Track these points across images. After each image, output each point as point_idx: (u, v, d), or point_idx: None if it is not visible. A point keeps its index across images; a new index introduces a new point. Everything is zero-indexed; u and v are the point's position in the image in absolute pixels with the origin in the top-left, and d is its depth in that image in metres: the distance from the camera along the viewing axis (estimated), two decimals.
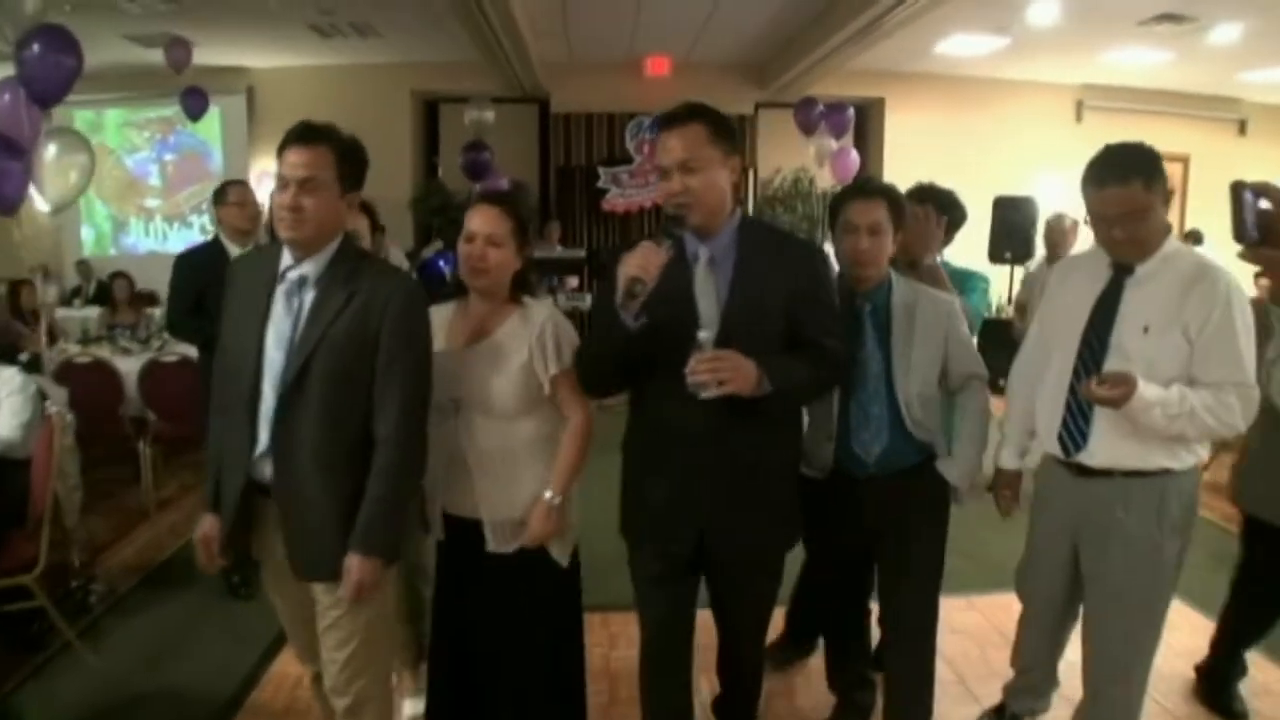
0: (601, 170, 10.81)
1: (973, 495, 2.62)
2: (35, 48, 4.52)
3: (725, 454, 2.20)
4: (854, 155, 9.57)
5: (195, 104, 8.96)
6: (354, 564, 2.09)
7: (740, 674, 2.65)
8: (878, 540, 2.62)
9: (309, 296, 2.14)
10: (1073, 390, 2.38)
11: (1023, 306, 5.71)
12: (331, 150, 2.09)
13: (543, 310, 2.40)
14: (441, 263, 6.75)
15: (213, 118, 10.04)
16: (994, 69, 10.04)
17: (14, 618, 3.29)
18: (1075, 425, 2.40)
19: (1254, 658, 3.20)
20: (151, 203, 11.16)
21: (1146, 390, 2.18)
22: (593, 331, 2.31)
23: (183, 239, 10.55)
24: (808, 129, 9.35)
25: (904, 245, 2.68)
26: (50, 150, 4.76)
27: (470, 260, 2.33)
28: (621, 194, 10.86)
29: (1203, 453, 2.43)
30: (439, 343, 2.35)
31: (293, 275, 2.14)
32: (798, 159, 10.53)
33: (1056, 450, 2.45)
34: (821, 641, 3.19)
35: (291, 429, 2.10)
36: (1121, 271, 2.35)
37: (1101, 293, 2.38)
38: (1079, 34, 8.27)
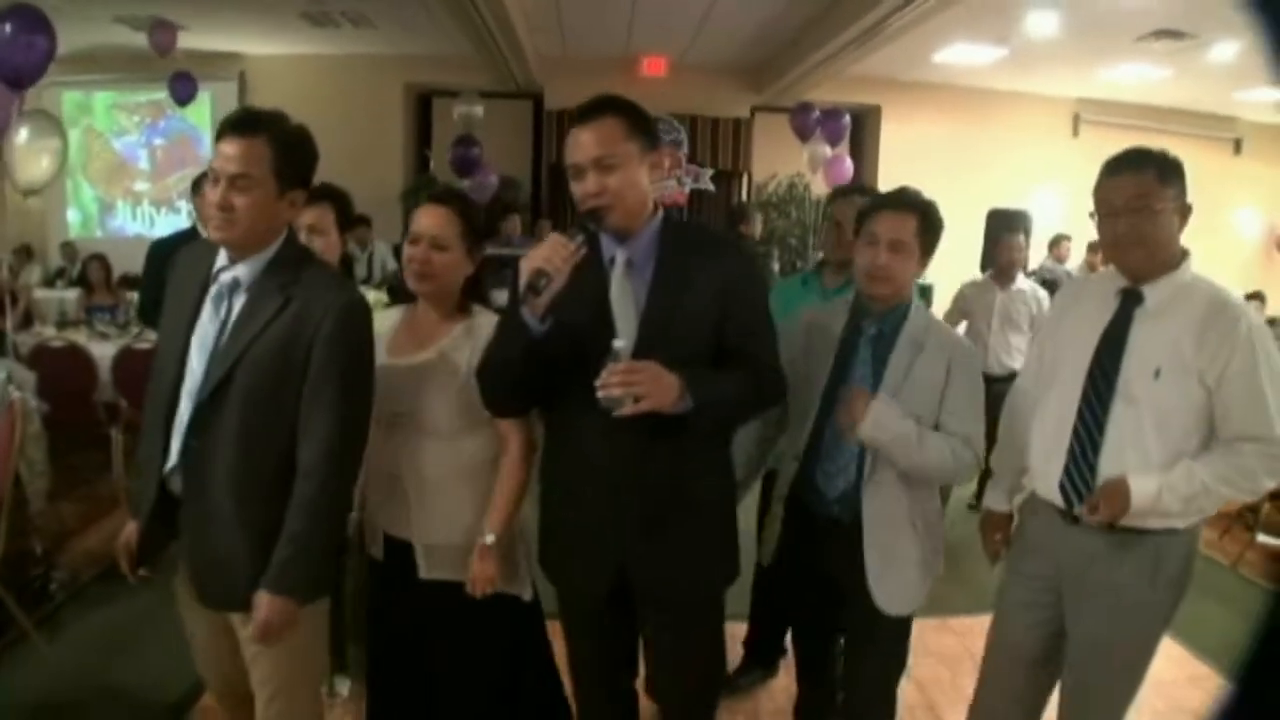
0: None
1: (893, 578, 2.28)
2: (5, 28, 4.42)
3: (644, 481, 1.99)
4: (848, 163, 9.52)
5: (183, 89, 8.86)
6: (263, 602, 1.91)
7: None
8: (841, 594, 2.33)
9: (238, 303, 1.95)
10: (1076, 435, 2.14)
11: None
12: (269, 143, 1.89)
13: (491, 322, 2.17)
14: None
15: (203, 103, 9.96)
16: (992, 80, 10.01)
17: None
18: (1080, 476, 2.13)
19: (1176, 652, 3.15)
20: (140, 186, 11.07)
21: (1142, 487, 1.99)
22: (495, 337, 2.05)
23: (170, 224, 10.45)
24: (803, 134, 9.31)
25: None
26: (22, 134, 4.66)
27: (414, 263, 2.16)
28: None
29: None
30: (381, 352, 2.18)
31: (225, 278, 1.96)
32: (793, 164, 10.48)
33: (1055, 499, 2.18)
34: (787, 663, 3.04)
35: (204, 447, 1.93)
36: (1130, 300, 2.13)
37: (1108, 324, 2.15)
38: (1078, 47, 8.26)
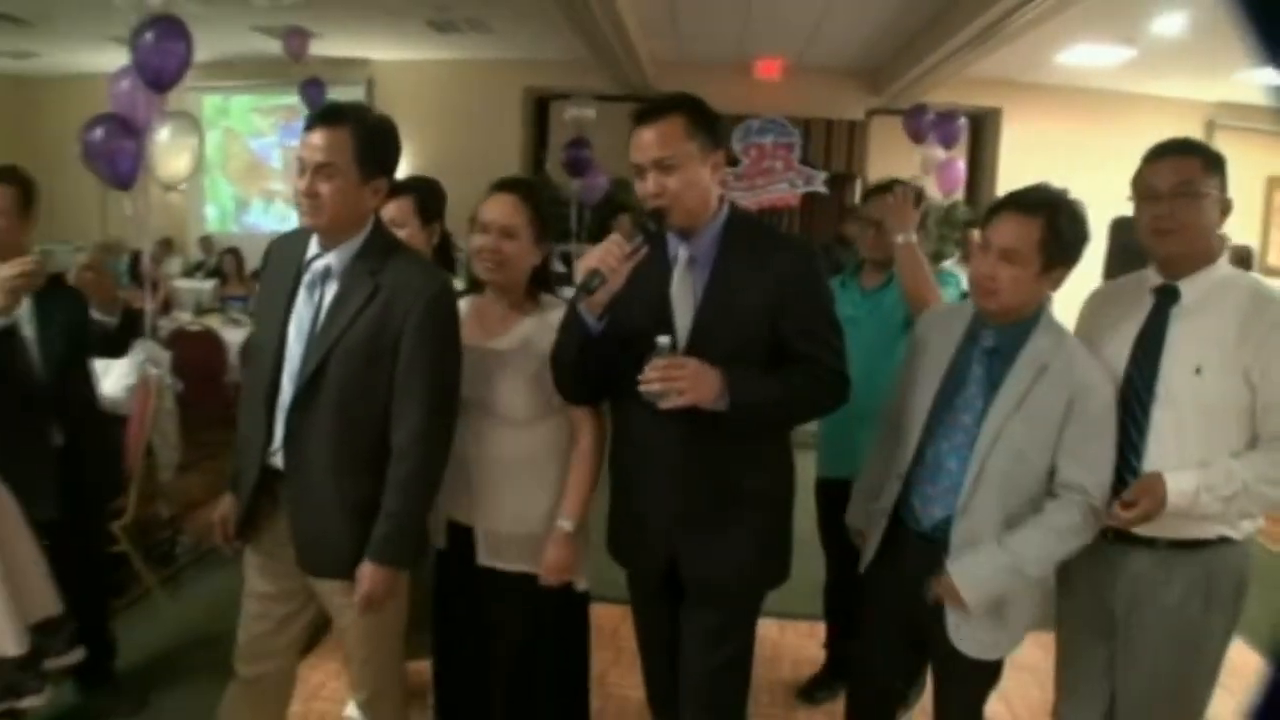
0: None
1: (978, 624, 2.04)
2: (149, 36, 4.76)
3: (694, 474, 2.01)
4: (960, 166, 9.33)
5: (314, 94, 9.29)
6: (366, 573, 2.03)
7: None
8: (928, 627, 2.13)
9: (330, 290, 2.04)
10: (1116, 445, 2.01)
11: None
12: (352, 133, 1.97)
13: (561, 311, 2.15)
14: None
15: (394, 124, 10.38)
16: (1119, 82, 9.62)
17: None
18: (1121, 483, 1.99)
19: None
20: (274, 185, 11.62)
21: (1179, 484, 1.87)
22: (559, 330, 2.07)
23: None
24: (917, 137, 9.17)
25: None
26: (164, 133, 5.01)
27: (482, 252, 2.17)
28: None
29: (1261, 520, 2.08)
30: None
31: (317, 265, 2.06)
32: (909, 167, 10.33)
33: None
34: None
35: (305, 428, 2.03)
36: (1166, 298, 2.02)
37: (1143, 325, 2.04)
38: (1211, 48, 7.87)
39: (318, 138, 1.96)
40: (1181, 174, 1.96)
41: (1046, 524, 1.96)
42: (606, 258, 1.85)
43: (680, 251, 2.03)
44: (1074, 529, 1.95)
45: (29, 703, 2.03)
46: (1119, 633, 2.11)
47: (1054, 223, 1.95)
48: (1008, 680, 3.00)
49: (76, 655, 2.19)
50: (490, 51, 10.15)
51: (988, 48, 7.74)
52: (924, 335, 2.24)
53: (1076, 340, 2.09)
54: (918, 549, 2.11)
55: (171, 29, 4.77)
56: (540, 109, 11.60)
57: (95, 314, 2.75)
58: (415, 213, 2.72)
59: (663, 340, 1.86)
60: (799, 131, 10.52)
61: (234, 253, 8.09)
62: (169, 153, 4.98)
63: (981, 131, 10.96)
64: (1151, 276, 2.08)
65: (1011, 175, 10.13)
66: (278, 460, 2.09)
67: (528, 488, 2.22)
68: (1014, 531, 1.98)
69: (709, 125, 1.99)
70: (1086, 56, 8.68)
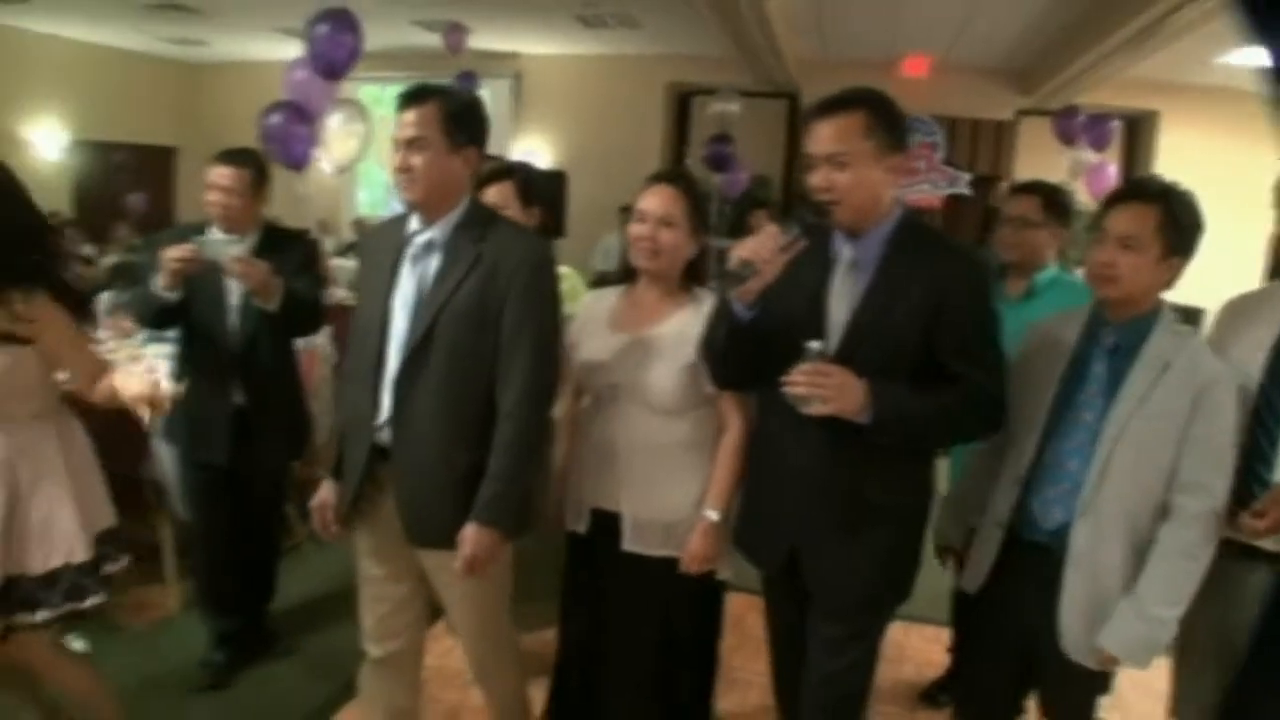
0: None
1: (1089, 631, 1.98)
2: (323, 28, 5.09)
3: (824, 480, 1.98)
4: (1111, 171, 8.98)
5: (467, 86, 9.60)
6: (469, 535, 2.05)
7: None
8: (1037, 635, 2.07)
9: (434, 261, 2.11)
10: (1246, 453, 1.94)
11: None
12: (437, 107, 2.05)
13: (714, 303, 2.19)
14: None
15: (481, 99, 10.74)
16: None
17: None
18: (1249, 493, 1.94)
19: None
20: None
21: None
22: (710, 316, 2.09)
23: None
24: (1066, 139, 8.89)
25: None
26: (335, 119, 5.32)
27: (640, 241, 2.21)
28: None
29: None
30: (603, 326, 2.29)
31: (419, 240, 2.12)
32: (1058, 171, 10.03)
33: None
34: None
35: (413, 396, 2.08)
36: None
37: (1276, 340, 1.99)
38: None
39: (408, 115, 2.05)
40: None
41: (1169, 550, 1.91)
42: (759, 249, 1.83)
43: (844, 251, 1.98)
44: (1198, 543, 1.90)
45: (90, 603, 2.19)
46: (1241, 653, 2.02)
47: (1170, 209, 1.93)
48: (1122, 684, 2.83)
49: (125, 560, 2.35)
50: (635, 47, 10.33)
51: (1146, 48, 7.47)
52: (1038, 340, 2.18)
53: (1199, 340, 2.05)
54: (1033, 562, 2.05)
55: (343, 21, 5.08)
56: (682, 104, 11.71)
57: (256, 303, 2.90)
58: (516, 196, 2.82)
59: (814, 345, 1.83)
60: (943, 131, 10.33)
61: None
62: (338, 138, 5.29)
63: (1137, 135, 10.53)
64: None
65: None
66: (384, 436, 2.13)
67: (675, 475, 2.23)
68: (1142, 576, 1.93)
69: (890, 126, 1.91)
70: (1254, 58, 8.25)
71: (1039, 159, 10.26)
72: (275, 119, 4.96)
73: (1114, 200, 2.04)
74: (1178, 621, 1.93)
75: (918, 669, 3.39)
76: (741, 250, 1.86)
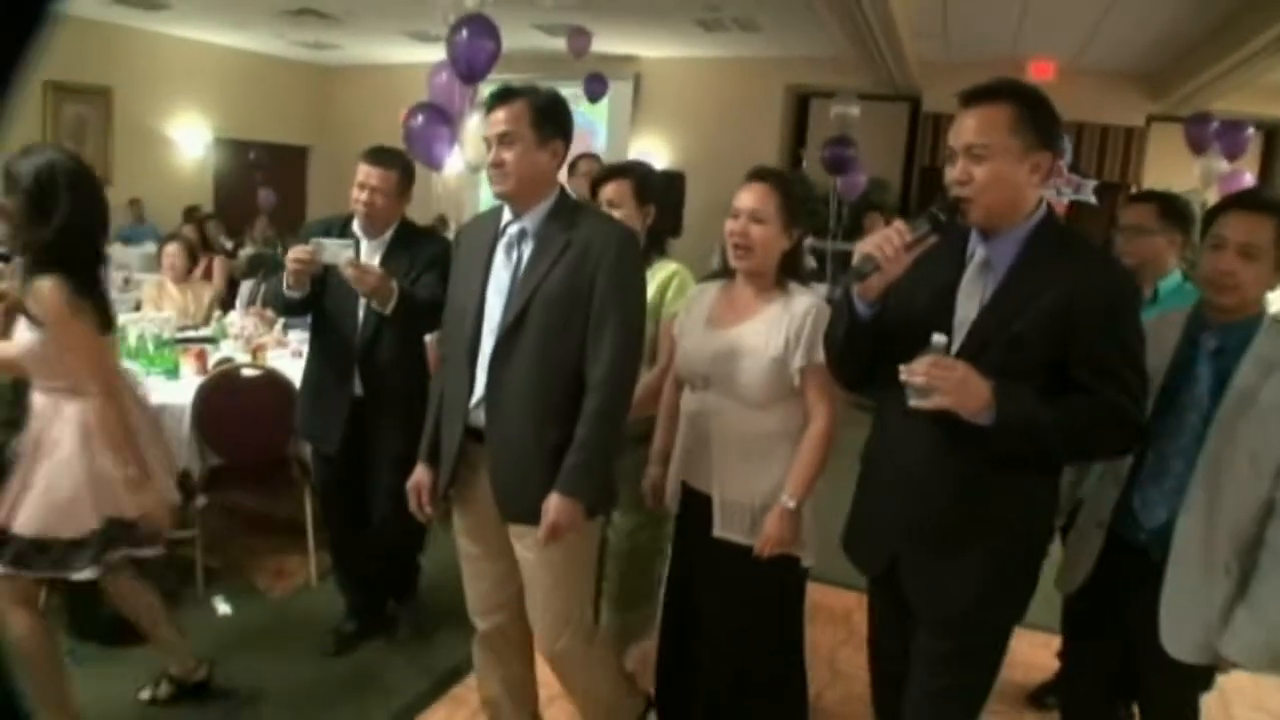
0: None
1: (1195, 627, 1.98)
2: (463, 33, 5.30)
3: (933, 486, 1.87)
4: (1246, 179, 8.58)
5: (597, 88, 9.81)
6: (552, 504, 2.12)
7: None
8: (1139, 637, 2.05)
9: (527, 248, 2.20)
10: None
11: None
12: (525, 104, 2.15)
13: (807, 299, 2.25)
14: None
15: (602, 100, 10.92)
16: None
17: None
18: None
19: None
20: None
21: None
22: (832, 311, 2.03)
23: None
24: (1197, 147, 8.57)
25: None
26: (474, 120, 5.52)
27: (733, 237, 2.26)
28: None
29: None
30: (700, 318, 2.35)
31: (513, 229, 2.22)
32: (1189, 180, 9.68)
33: None
34: None
35: (505, 376, 2.17)
36: None
37: None
38: None
39: (503, 113, 2.16)
40: None
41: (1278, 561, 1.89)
42: (883, 244, 1.75)
43: (978, 251, 1.87)
44: None
45: (78, 576, 2.41)
46: None
47: None
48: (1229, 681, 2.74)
49: (150, 550, 2.57)
50: (754, 49, 10.39)
51: None
52: None
53: None
54: (1131, 565, 2.05)
55: (482, 26, 5.28)
56: (800, 107, 11.72)
57: (374, 306, 2.94)
58: (632, 194, 2.84)
59: (938, 338, 1.74)
60: (1069, 136, 10.06)
61: None
62: (474, 138, 5.47)
63: (1277, 144, 10.17)
64: None
65: None
66: (478, 416, 2.23)
67: (764, 464, 2.27)
68: (1255, 581, 1.91)
69: (1041, 123, 1.78)
70: None
71: (1170, 167, 9.96)
72: (419, 120, 5.18)
73: (1225, 209, 2.04)
74: None
75: (1026, 672, 3.38)
76: (864, 245, 1.79)
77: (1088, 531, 2.14)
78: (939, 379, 1.69)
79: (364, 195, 3.03)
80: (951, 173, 1.81)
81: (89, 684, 2.82)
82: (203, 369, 4.07)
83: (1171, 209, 2.85)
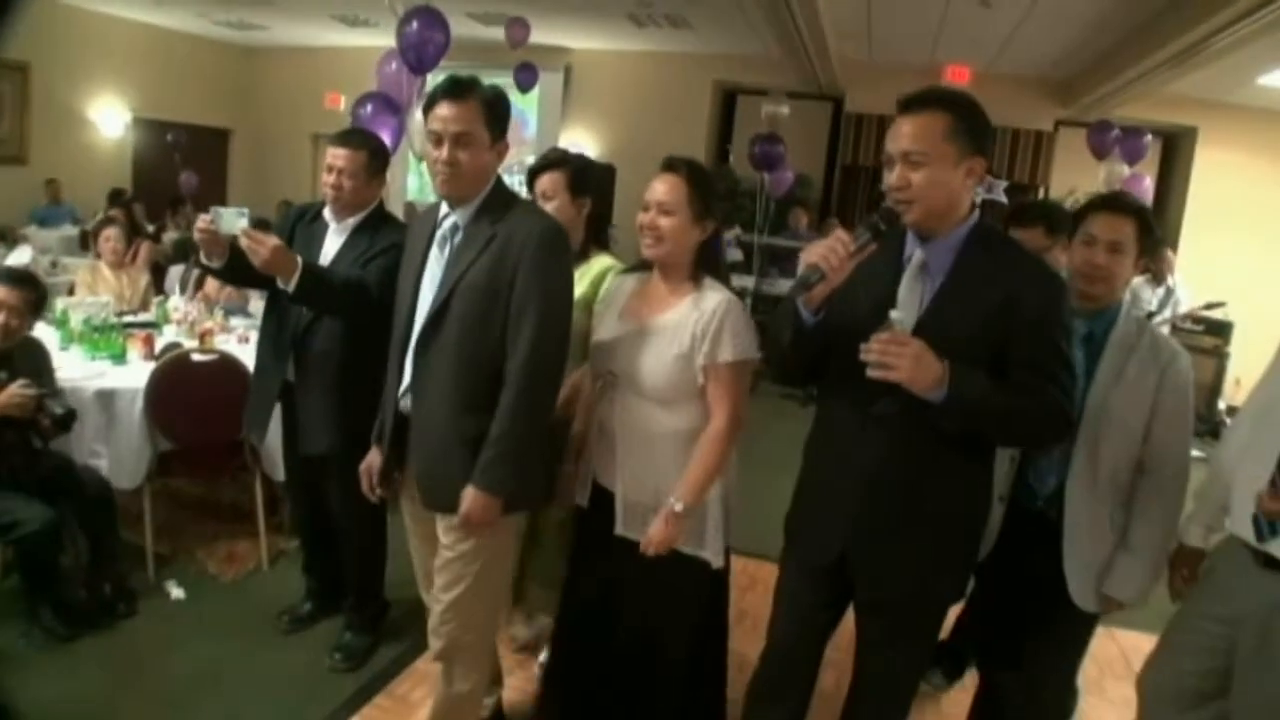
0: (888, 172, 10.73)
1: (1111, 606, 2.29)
2: (414, 25, 5.35)
3: (883, 482, 1.95)
4: (1146, 184, 8.99)
5: (527, 78, 9.89)
6: (467, 495, 2.13)
7: None
8: (1041, 591, 2.29)
9: (457, 240, 2.22)
10: None
11: None
12: (481, 104, 2.14)
13: (718, 296, 2.20)
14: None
15: (532, 91, 10.98)
16: None
17: None
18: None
19: None
20: None
21: None
22: (775, 316, 2.04)
23: None
24: (1099, 152, 8.96)
25: None
26: (419, 110, 5.56)
27: (642, 227, 2.23)
28: None
29: None
30: (615, 313, 2.33)
31: (446, 224, 2.23)
32: (1093, 182, 10.13)
33: (1246, 532, 2.07)
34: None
35: (428, 366, 2.19)
36: None
37: None
38: None
39: (453, 110, 2.13)
40: None
41: (1148, 501, 2.24)
42: (829, 255, 1.79)
43: (916, 253, 1.93)
44: (1171, 491, 2.24)
45: None
46: (1239, 661, 2.09)
47: (1144, 220, 2.25)
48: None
49: None
50: (683, 45, 10.57)
51: (1189, 65, 7.52)
52: None
53: (1153, 325, 2.37)
54: (1033, 525, 2.30)
55: (432, 19, 5.35)
56: (728, 103, 11.93)
57: (279, 283, 2.73)
58: (566, 186, 2.81)
59: (895, 314, 1.79)
60: None
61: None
62: (420, 128, 5.51)
63: (1175, 150, 10.62)
64: None
65: (1205, 197, 9.81)
66: (406, 403, 2.26)
67: (666, 464, 2.23)
68: (1130, 529, 2.25)
69: (974, 130, 1.85)
70: None
71: (1076, 169, 10.37)
72: (367, 109, 5.20)
73: (1095, 208, 2.31)
74: (1167, 560, 2.31)
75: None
76: (809, 255, 1.83)
77: (993, 506, 2.32)
78: (894, 355, 1.74)
79: (331, 178, 2.96)
80: (889, 178, 1.87)
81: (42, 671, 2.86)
82: (150, 354, 4.09)
83: (1054, 222, 2.94)
